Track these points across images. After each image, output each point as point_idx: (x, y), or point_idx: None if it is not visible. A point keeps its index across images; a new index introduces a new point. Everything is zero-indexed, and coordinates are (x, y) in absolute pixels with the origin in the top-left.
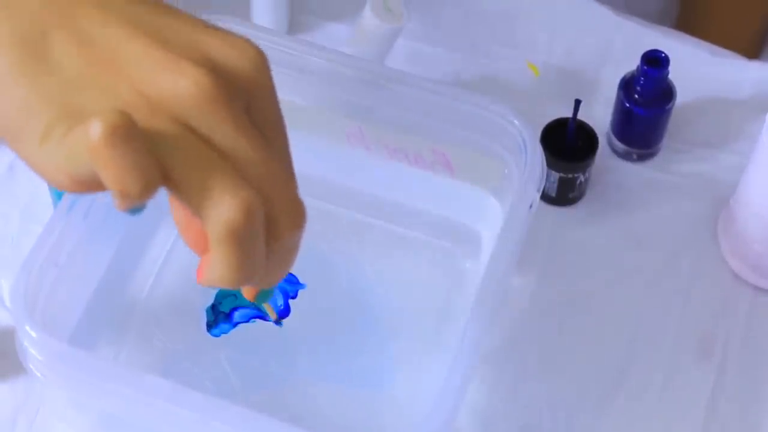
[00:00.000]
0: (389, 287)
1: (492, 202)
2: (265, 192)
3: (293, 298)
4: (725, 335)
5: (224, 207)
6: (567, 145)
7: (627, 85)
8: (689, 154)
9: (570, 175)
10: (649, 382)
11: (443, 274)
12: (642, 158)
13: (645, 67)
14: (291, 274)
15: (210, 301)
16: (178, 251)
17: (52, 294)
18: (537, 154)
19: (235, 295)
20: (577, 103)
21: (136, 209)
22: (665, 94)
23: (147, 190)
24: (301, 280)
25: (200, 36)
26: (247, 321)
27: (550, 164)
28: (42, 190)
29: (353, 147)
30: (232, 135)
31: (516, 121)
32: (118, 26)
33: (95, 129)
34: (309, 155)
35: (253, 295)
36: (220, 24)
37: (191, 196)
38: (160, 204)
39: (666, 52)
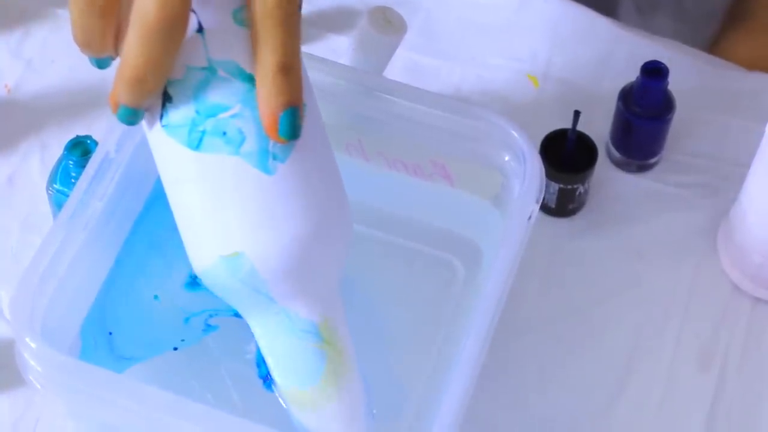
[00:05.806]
0: (387, 298)
1: (491, 213)
2: None
3: None
4: (725, 346)
5: None
6: (566, 156)
7: (626, 96)
8: (689, 165)
9: (569, 186)
10: (648, 393)
11: (442, 285)
12: (641, 169)
13: (644, 78)
14: None
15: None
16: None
17: (52, 305)
18: (536, 166)
19: None
20: (577, 114)
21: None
22: (665, 105)
23: None
24: None
25: None
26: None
27: (550, 175)
28: (41, 202)
29: (352, 158)
30: None
31: (515, 133)
32: None
33: None
34: None
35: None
36: None
37: None
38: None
39: (665, 63)
